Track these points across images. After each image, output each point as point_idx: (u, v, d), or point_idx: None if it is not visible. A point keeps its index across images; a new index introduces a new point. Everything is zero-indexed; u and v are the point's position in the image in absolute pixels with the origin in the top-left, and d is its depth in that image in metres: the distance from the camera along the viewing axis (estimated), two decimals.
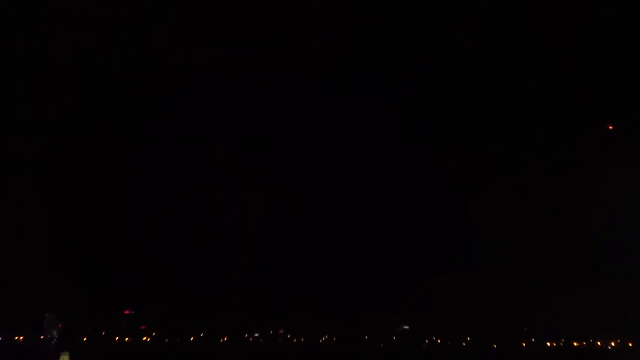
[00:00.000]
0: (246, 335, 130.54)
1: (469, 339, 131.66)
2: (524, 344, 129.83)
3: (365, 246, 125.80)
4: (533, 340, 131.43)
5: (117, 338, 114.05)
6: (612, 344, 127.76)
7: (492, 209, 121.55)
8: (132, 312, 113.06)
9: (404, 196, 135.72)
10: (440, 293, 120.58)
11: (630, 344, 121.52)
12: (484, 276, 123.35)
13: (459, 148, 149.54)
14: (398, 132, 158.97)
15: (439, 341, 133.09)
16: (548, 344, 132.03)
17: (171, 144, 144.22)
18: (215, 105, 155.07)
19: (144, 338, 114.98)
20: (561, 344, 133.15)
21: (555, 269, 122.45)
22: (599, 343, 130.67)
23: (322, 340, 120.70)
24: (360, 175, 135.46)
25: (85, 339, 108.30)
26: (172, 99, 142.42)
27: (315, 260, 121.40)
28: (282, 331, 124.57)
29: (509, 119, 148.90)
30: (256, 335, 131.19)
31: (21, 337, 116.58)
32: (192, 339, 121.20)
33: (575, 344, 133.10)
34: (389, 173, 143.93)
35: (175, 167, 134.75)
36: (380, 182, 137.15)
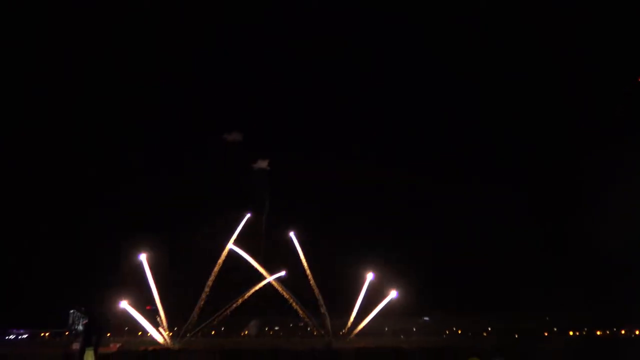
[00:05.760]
0: (266, 329, 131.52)
1: (489, 329, 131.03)
2: (546, 334, 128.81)
3: (381, 239, 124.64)
4: (555, 329, 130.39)
5: (139, 333, 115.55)
6: (637, 332, 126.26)
7: (507, 199, 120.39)
8: (153, 307, 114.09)
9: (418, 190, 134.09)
10: (461, 283, 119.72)
11: None
12: (505, 266, 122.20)
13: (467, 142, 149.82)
14: None
15: (459, 332, 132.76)
16: (571, 333, 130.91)
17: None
18: None
19: (166, 333, 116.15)
20: (584, 332, 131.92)
21: (577, 259, 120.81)
22: (622, 332, 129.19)
23: (342, 333, 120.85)
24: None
25: (109, 334, 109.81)
26: None
27: (333, 253, 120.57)
28: (302, 324, 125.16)
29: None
30: (276, 328, 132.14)
31: (47, 334, 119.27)
32: (213, 332, 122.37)
33: (598, 332, 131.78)
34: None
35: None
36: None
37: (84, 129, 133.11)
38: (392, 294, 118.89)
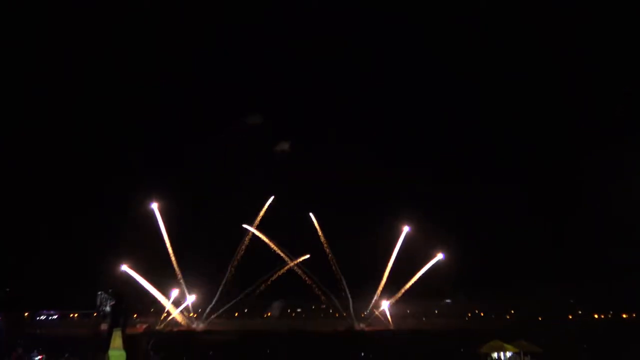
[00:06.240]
0: (289, 311, 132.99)
1: (513, 311, 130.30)
2: (570, 317, 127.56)
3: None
4: (580, 312, 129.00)
5: (165, 314, 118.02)
6: None
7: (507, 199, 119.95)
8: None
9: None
10: (483, 265, 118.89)
11: None
12: (529, 247, 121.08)
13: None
14: None
15: (482, 314, 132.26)
16: (596, 315, 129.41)
17: None
18: None
19: (190, 314, 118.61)
20: (609, 316, 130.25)
21: (603, 238, 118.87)
22: None
23: (364, 315, 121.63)
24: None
25: (135, 315, 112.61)
26: None
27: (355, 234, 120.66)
28: (324, 306, 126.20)
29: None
30: (298, 310, 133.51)
31: (76, 315, 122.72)
32: (236, 314, 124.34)
33: (624, 315, 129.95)
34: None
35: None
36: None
37: (84, 129, 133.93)
38: (439, 256, 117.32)
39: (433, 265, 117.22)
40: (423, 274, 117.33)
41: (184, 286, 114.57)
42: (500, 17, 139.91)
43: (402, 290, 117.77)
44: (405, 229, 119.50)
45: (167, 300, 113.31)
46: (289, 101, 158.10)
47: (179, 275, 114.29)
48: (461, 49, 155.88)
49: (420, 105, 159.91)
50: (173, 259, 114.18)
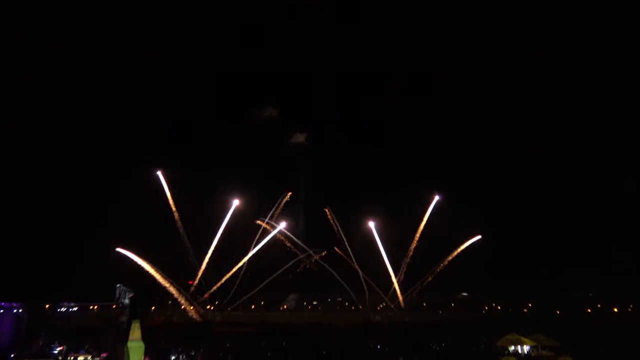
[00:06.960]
0: (304, 303, 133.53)
1: (530, 305, 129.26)
2: (589, 310, 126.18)
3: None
4: (599, 306, 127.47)
5: (182, 307, 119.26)
6: None
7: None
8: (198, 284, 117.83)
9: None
10: (500, 258, 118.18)
11: None
12: (546, 241, 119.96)
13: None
14: None
15: (499, 308, 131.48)
16: (615, 309, 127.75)
17: None
18: None
19: (207, 307, 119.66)
20: (629, 309, 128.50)
21: (622, 231, 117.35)
22: None
23: (380, 308, 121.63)
24: None
25: (153, 307, 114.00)
26: None
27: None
28: (340, 299, 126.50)
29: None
30: (314, 303, 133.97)
31: (95, 307, 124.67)
32: (252, 307, 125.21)
33: None
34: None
35: None
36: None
37: (84, 128, 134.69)
38: (477, 238, 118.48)
39: (449, 261, 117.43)
40: (440, 269, 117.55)
41: (202, 281, 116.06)
42: (500, 17, 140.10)
43: (430, 277, 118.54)
44: (436, 198, 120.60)
45: (170, 285, 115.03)
46: (289, 101, 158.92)
47: (196, 264, 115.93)
48: (461, 49, 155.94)
49: (420, 105, 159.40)
50: (188, 243, 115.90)
